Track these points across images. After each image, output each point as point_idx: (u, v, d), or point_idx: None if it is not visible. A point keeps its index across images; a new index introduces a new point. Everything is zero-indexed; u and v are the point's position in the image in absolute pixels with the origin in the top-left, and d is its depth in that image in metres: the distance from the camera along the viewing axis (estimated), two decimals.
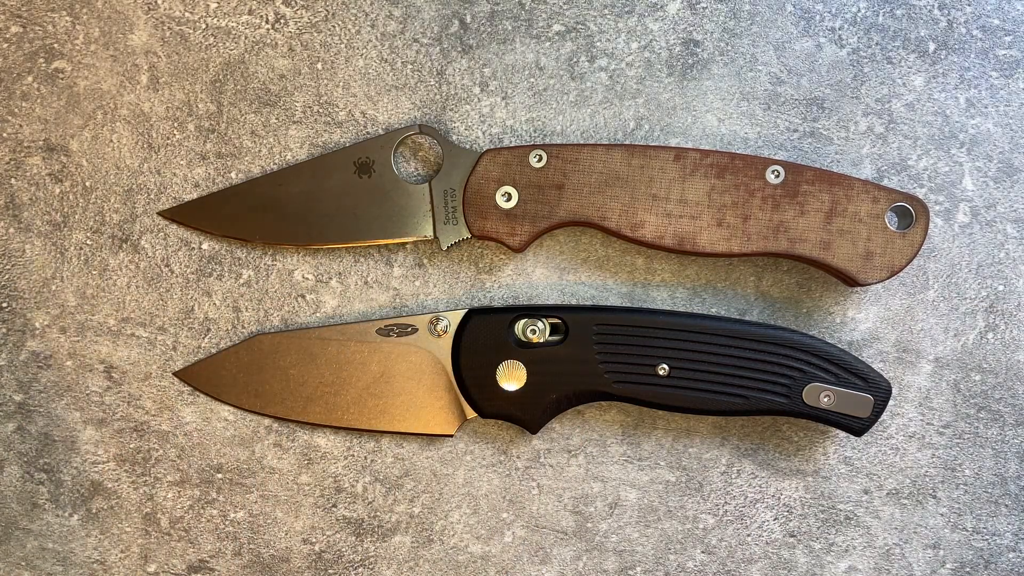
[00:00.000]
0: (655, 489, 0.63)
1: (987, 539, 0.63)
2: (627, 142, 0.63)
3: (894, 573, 0.63)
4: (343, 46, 0.64)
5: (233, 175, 0.64)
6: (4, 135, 0.64)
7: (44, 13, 0.64)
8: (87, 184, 0.64)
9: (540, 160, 0.59)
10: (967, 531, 0.63)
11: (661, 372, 0.58)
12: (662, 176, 0.59)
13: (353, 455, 0.64)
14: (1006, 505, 0.63)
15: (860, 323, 0.63)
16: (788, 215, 0.58)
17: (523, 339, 0.60)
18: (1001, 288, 0.63)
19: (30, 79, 0.64)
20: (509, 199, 0.60)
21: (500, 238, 0.60)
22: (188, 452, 0.64)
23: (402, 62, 0.63)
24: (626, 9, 0.63)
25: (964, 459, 0.63)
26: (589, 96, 0.63)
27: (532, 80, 0.63)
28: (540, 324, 0.60)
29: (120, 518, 0.64)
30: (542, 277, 0.63)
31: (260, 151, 0.64)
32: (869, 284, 0.59)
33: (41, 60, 0.64)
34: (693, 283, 0.63)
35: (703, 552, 0.63)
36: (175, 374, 0.64)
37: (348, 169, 0.61)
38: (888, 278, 0.58)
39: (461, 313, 0.61)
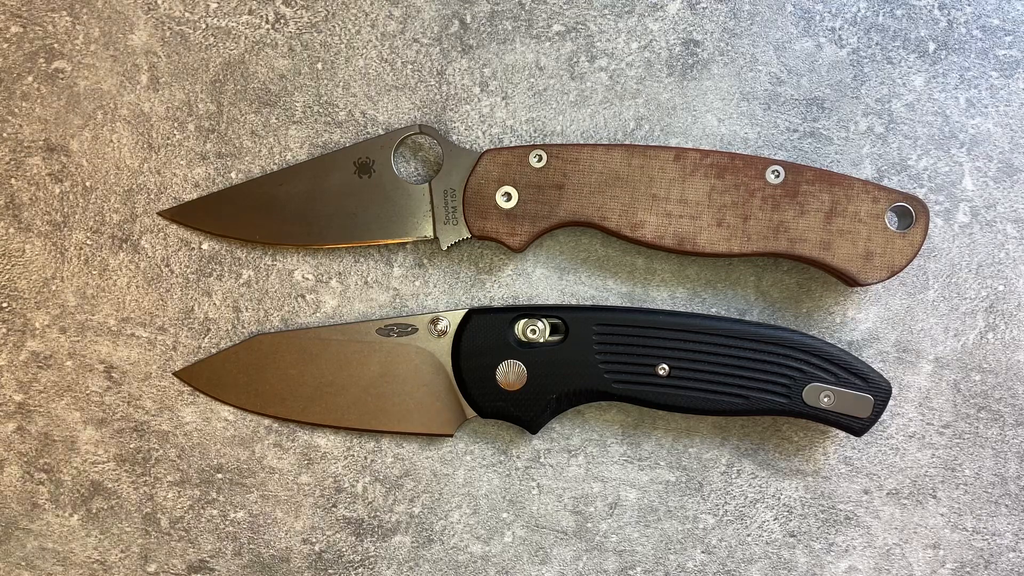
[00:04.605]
0: (655, 489, 0.63)
1: (987, 539, 0.63)
2: (627, 142, 0.63)
3: (894, 573, 0.63)
4: (343, 46, 0.64)
5: (233, 175, 0.64)
6: (4, 135, 0.64)
7: (44, 13, 0.64)
8: (87, 184, 0.64)
9: (540, 160, 0.59)
10: (967, 531, 0.63)
11: (661, 372, 0.58)
12: (662, 176, 0.59)
13: (353, 455, 0.64)
14: (1006, 505, 0.63)
15: (860, 323, 0.63)
16: (788, 215, 0.58)
17: (523, 339, 0.60)
18: (1001, 288, 0.63)
19: (30, 79, 0.64)
20: (509, 199, 0.60)
21: (500, 238, 0.60)
22: (188, 452, 0.64)
23: (402, 62, 0.63)
24: (626, 9, 0.63)
25: (964, 459, 0.63)
26: (589, 96, 0.63)
27: (532, 80, 0.63)
28: (540, 324, 0.60)
29: (120, 518, 0.64)
30: (542, 277, 0.63)
31: (260, 151, 0.64)
32: (869, 284, 0.59)
33: (41, 60, 0.64)
34: (693, 283, 0.63)
35: (703, 552, 0.63)
36: (175, 374, 0.64)
37: (348, 169, 0.61)
38: (888, 278, 0.58)
39: (461, 313, 0.61)
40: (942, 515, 0.63)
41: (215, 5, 0.64)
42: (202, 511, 0.64)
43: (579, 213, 0.59)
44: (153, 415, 0.64)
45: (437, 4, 0.63)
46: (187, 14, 0.64)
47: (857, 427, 0.58)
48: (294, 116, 0.64)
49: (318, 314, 0.64)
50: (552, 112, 0.63)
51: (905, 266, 0.58)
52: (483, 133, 0.63)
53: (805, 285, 0.63)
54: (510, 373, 0.60)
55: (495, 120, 0.63)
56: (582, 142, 0.63)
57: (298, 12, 0.64)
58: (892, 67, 0.63)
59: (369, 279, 0.64)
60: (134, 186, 0.64)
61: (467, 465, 0.64)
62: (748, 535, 0.63)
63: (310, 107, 0.64)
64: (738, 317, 0.63)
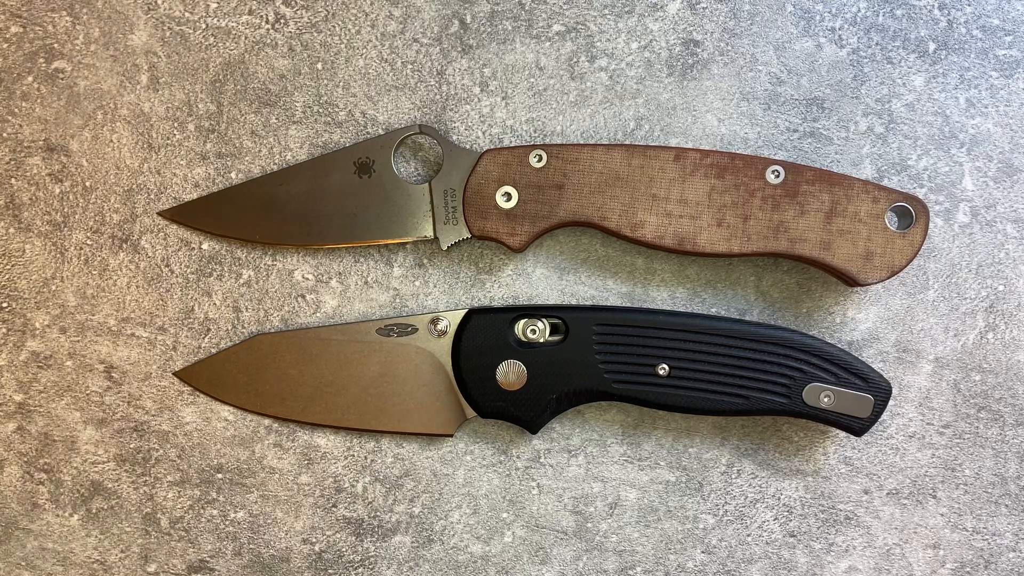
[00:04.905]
0: (655, 489, 0.63)
1: (987, 539, 0.63)
2: (627, 142, 0.63)
3: (894, 573, 0.63)
4: (343, 46, 0.64)
5: (233, 175, 0.64)
6: (4, 135, 0.64)
7: (44, 13, 0.64)
8: (87, 184, 0.64)
9: (540, 160, 0.59)
10: (967, 531, 0.63)
11: (661, 372, 0.58)
12: (662, 176, 0.59)
13: (353, 455, 0.64)
14: (1006, 505, 0.63)
15: (860, 323, 0.63)
16: (788, 215, 0.58)
17: (523, 339, 0.60)
18: (1001, 288, 0.63)
19: (30, 79, 0.64)
20: (509, 199, 0.60)
21: (500, 238, 0.60)
22: (188, 452, 0.64)
23: (402, 62, 0.63)
24: (626, 9, 0.63)
25: (964, 459, 0.63)
26: (589, 96, 0.63)
27: (532, 80, 0.63)
28: (540, 324, 0.60)
29: (120, 518, 0.64)
30: (542, 277, 0.63)
31: (260, 151, 0.64)
32: (869, 284, 0.59)
33: (41, 60, 0.64)
34: (693, 283, 0.63)
35: (703, 552, 0.63)
36: (175, 374, 0.64)
37: (348, 169, 0.61)
38: (888, 278, 0.58)
39: (461, 313, 0.61)
40: (942, 515, 0.63)
41: (215, 5, 0.64)
42: (202, 511, 0.64)
43: (579, 213, 0.59)
44: (153, 415, 0.64)
45: (437, 4, 0.63)
46: (187, 14, 0.64)
47: (857, 427, 0.58)
48: (294, 116, 0.64)
49: (318, 314, 0.64)
50: (552, 112, 0.63)
51: (905, 266, 0.58)
52: (483, 133, 0.63)
53: (805, 285, 0.63)
54: (510, 373, 0.60)
55: (495, 120, 0.63)
56: (582, 142, 0.63)
57: (298, 12, 0.64)
58: (892, 67, 0.63)
59: (369, 279, 0.64)
60: (134, 186, 0.64)
61: (467, 465, 0.64)
62: (748, 535, 0.63)
63: (310, 107, 0.64)
64: (738, 317, 0.63)
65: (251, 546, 0.64)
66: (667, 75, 0.63)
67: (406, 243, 0.63)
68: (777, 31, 0.63)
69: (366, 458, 0.64)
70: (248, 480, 0.64)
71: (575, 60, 0.63)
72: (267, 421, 0.64)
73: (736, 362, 0.58)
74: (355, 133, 0.63)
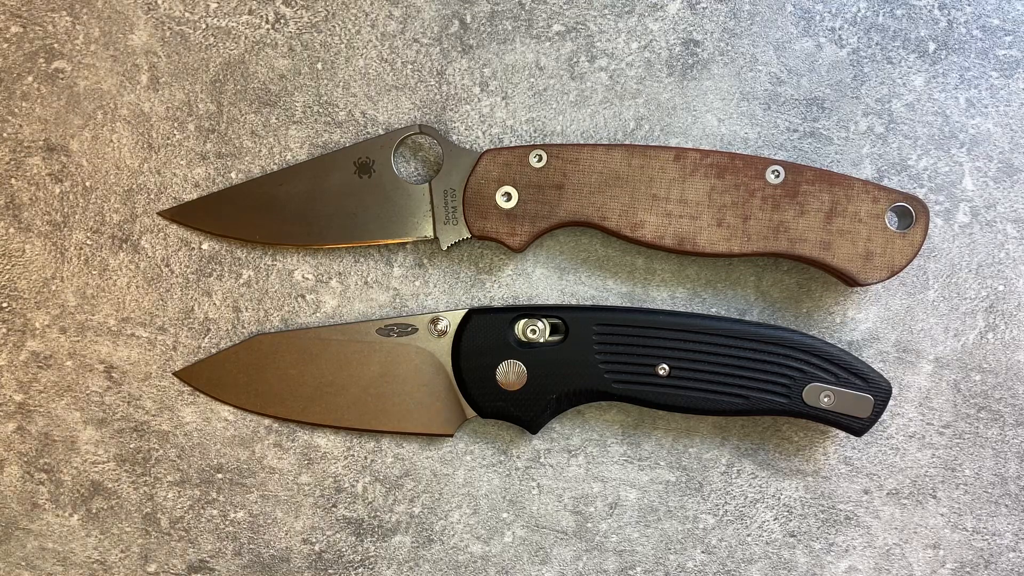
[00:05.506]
0: (655, 489, 0.63)
1: (987, 539, 0.63)
2: (627, 142, 0.63)
3: (894, 573, 0.63)
4: (343, 46, 0.64)
5: (233, 175, 0.64)
6: (4, 135, 0.64)
7: (44, 13, 0.64)
8: (87, 184, 0.64)
9: (540, 160, 0.59)
10: (967, 531, 0.63)
11: (661, 372, 0.58)
12: (662, 176, 0.59)
13: (353, 455, 0.64)
14: (1006, 505, 0.63)
15: (860, 323, 0.63)
16: (788, 215, 0.58)
17: (523, 339, 0.60)
18: (1001, 288, 0.63)
19: (30, 79, 0.64)
20: (509, 199, 0.60)
21: (500, 238, 0.60)
22: (188, 452, 0.64)
23: (402, 62, 0.63)
24: (626, 9, 0.63)
25: (964, 459, 0.63)
26: (589, 96, 0.63)
27: (532, 80, 0.63)
28: (540, 324, 0.60)
29: (120, 518, 0.64)
30: (542, 277, 0.63)
31: (260, 151, 0.64)
32: (869, 284, 0.59)
33: (41, 60, 0.64)
34: (693, 283, 0.63)
35: (703, 552, 0.63)
36: (175, 374, 0.64)
37: (348, 169, 0.61)
38: (888, 278, 0.58)
39: (461, 313, 0.61)
40: (942, 515, 0.63)
41: (215, 5, 0.64)
42: (202, 511, 0.64)
43: (579, 213, 0.59)
44: (153, 415, 0.64)
45: (437, 4, 0.63)
46: (187, 14, 0.64)
47: (857, 427, 0.58)
48: (294, 116, 0.64)
49: (318, 314, 0.64)
50: (552, 112, 0.63)
51: (905, 266, 0.58)
52: (483, 133, 0.63)
53: (805, 285, 0.63)
54: (510, 373, 0.60)
55: (495, 120, 0.63)
56: (582, 142, 0.63)
57: (298, 12, 0.64)
58: (892, 67, 0.63)
59: (369, 279, 0.64)
60: (134, 186, 0.64)
61: (467, 465, 0.64)
62: (748, 535, 0.63)
63: (310, 107, 0.64)
64: (738, 317, 0.63)
65: (251, 546, 0.64)
66: (667, 75, 0.63)
67: (406, 243, 0.63)
68: (777, 31, 0.63)
69: (366, 458, 0.64)
70: (248, 480, 0.64)
71: (575, 60, 0.63)
72: (267, 421, 0.64)
73: (736, 362, 0.58)
74: (355, 133, 0.63)
